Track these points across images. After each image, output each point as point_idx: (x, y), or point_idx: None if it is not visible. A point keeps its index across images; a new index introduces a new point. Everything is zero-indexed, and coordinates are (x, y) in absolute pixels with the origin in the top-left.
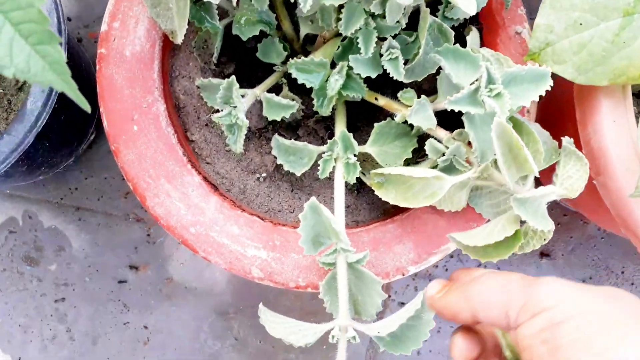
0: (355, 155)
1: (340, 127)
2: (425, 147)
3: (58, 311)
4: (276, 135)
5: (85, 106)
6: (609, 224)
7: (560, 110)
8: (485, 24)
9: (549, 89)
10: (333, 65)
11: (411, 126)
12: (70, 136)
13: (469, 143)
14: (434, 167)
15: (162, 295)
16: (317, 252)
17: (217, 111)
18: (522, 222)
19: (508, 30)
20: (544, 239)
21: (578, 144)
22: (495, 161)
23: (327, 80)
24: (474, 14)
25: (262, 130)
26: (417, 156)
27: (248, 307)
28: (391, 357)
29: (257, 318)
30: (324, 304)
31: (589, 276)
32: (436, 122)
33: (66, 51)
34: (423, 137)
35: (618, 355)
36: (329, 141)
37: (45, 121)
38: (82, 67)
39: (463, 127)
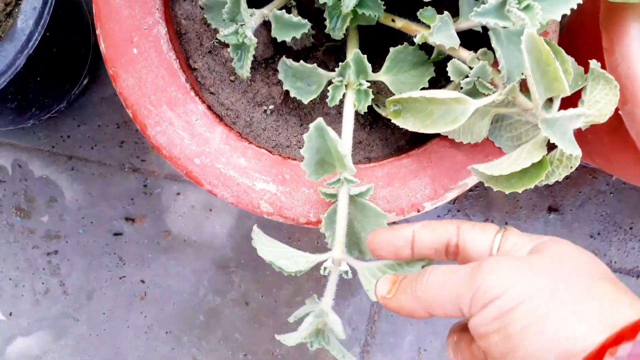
0: (368, 82)
1: (352, 49)
2: (445, 72)
3: (51, 264)
4: (284, 58)
5: None
6: (626, 170)
7: (582, 44)
8: None
9: (580, 2)
10: None
11: (429, 53)
12: (62, 74)
13: (494, 64)
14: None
15: (160, 248)
16: (320, 179)
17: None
18: (548, 151)
19: None
20: (570, 167)
21: None
22: (521, 84)
23: None
24: None
25: (268, 61)
26: (435, 88)
27: (249, 260)
28: (395, 315)
29: (259, 272)
30: (326, 239)
31: (597, 231)
32: (459, 42)
33: None
34: (440, 66)
35: (570, 334)
36: (340, 64)
37: (36, 43)
38: (76, 3)
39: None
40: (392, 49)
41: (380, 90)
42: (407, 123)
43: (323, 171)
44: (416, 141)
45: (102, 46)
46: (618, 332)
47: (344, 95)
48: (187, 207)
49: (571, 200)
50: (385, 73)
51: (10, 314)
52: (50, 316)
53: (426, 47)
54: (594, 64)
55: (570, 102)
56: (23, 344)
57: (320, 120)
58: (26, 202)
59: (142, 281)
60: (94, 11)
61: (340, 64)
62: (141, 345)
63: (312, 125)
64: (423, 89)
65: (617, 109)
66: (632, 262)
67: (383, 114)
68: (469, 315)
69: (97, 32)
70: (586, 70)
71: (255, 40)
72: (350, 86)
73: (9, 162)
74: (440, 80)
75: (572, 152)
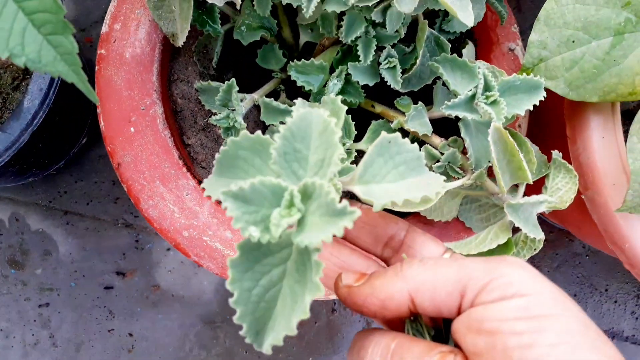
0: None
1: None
2: None
3: (42, 316)
4: (272, 126)
5: (95, 99)
6: (595, 240)
7: (549, 128)
8: (479, 40)
9: (542, 99)
10: (331, 71)
11: (405, 133)
12: (62, 139)
13: (463, 151)
14: None
15: (149, 302)
16: None
17: (215, 115)
18: (513, 233)
19: (502, 47)
20: (534, 249)
21: (567, 160)
22: (488, 170)
23: (325, 85)
24: (471, 26)
25: None
26: None
27: (233, 316)
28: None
29: None
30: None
31: (574, 293)
32: (432, 129)
33: None
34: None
35: None
36: None
37: (41, 120)
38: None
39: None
40: (373, 122)
41: (357, 163)
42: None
43: None
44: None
45: (101, 124)
46: None
47: None
48: (177, 263)
49: (548, 262)
50: (366, 142)
51: None
52: None
53: (403, 130)
54: (555, 154)
55: (535, 187)
56: None
57: None
58: (21, 255)
59: (130, 334)
60: (95, 91)
61: None
62: None
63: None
64: None
65: (579, 193)
66: (608, 324)
67: None
68: (468, 304)
69: (98, 111)
70: (549, 159)
71: (244, 125)
72: None
73: (7, 216)
74: None
75: (535, 235)
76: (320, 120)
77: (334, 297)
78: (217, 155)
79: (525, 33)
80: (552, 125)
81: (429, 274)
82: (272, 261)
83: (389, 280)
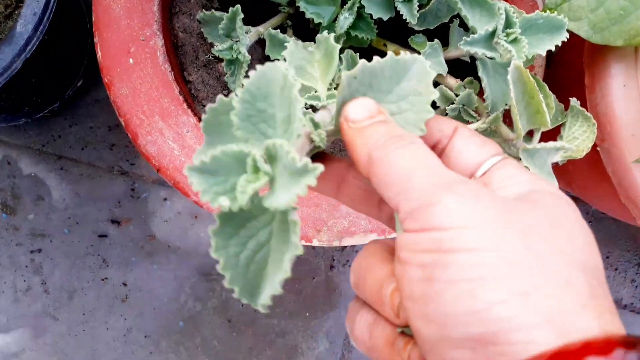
0: None
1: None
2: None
3: (33, 262)
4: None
5: None
6: (603, 201)
7: (565, 79)
8: None
9: (565, 39)
10: (342, 4)
11: None
12: (57, 77)
13: (479, 93)
14: None
15: (144, 252)
16: (300, 77)
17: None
18: None
19: None
20: None
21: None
22: (504, 115)
23: (335, 18)
24: None
25: None
26: None
27: None
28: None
29: None
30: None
31: None
32: (447, 69)
33: None
34: None
35: (511, 323)
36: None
37: (34, 47)
38: (76, 7)
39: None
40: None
41: None
42: None
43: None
44: None
45: (98, 54)
46: (561, 347)
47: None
48: (173, 213)
49: None
50: None
51: None
52: (30, 314)
53: None
54: (574, 101)
55: (549, 137)
56: (1, 341)
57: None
58: (13, 199)
59: (124, 284)
60: (93, 19)
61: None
62: (119, 348)
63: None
64: None
65: (595, 145)
66: None
67: None
68: (400, 221)
69: (95, 40)
70: (566, 107)
71: (248, 56)
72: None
73: None
74: None
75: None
76: (279, 75)
77: (332, 244)
78: (201, 125)
79: None
80: (568, 76)
81: (382, 166)
82: (257, 224)
83: (362, 148)
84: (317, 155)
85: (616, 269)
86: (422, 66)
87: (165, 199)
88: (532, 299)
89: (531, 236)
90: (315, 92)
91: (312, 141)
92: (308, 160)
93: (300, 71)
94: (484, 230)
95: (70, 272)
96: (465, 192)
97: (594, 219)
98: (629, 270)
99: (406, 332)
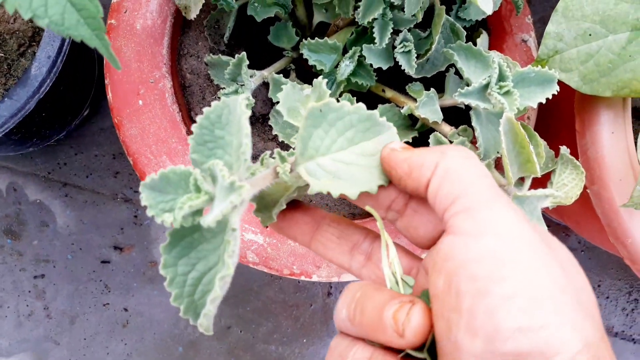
0: None
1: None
2: (427, 143)
3: (37, 288)
4: (275, 107)
5: (117, 65)
6: (594, 235)
7: (557, 123)
8: (492, 30)
9: (555, 93)
10: (344, 52)
11: (413, 121)
12: (66, 109)
13: (473, 140)
14: None
15: (145, 278)
16: (291, 119)
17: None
18: None
19: (515, 38)
20: None
21: (574, 155)
22: (496, 161)
23: (337, 65)
24: (490, 13)
25: (266, 117)
26: None
27: (231, 296)
28: None
29: (240, 308)
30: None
31: None
32: (442, 117)
33: None
34: (422, 135)
35: (547, 330)
36: None
37: (47, 88)
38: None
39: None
40: (380, 106)
41: None
42: None
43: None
44: None
45: (109, 95)
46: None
47: None
48: None
49: None
50: None
51: None
52: (32, 339)
53: (411, 116)
54: (564, 149)
55: (539, 182)
56: None
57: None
58: (18, 225)
59: (125, 309)
60: (104, 62)
61: None
62: None
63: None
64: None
65: (585, 187)
66: None
67: None
68: (446, 220)
69: (106, 81)
70: (557, 154)
71: (253, 101)
72: None
73: (5, 185)
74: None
75: None
76: (238, 105)
77: (331, 280)
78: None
79: (534, 25)
80: (559, 120)
81: (456, 164)
82: (208, 247)
83: (429, 151)
84: (293, 203)
85: (607, 297)
86: (393, 135)
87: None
88: (577, 327)
89: (566, 269)
90: None
91: (277, 174)
92: (234, 179)
93: (292, 112)
94: (537, 250)
95: (72, 297)
96: (520, 213)
97: (586, 247)
98: (619, 299)
99: (412, 354)
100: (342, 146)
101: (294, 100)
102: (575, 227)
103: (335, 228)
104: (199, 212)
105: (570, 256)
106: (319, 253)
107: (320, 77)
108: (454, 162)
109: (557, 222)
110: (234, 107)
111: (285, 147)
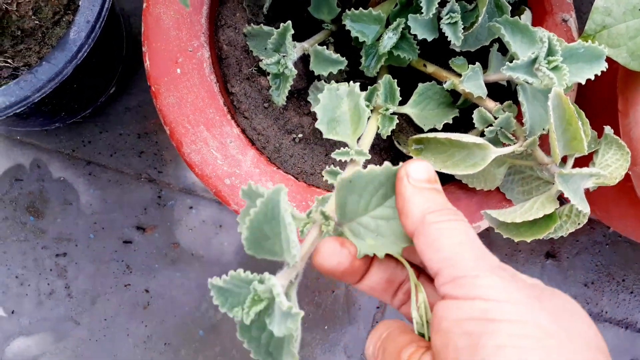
0: (393, 109)
1: (384, 74)
2: (468, 121)
3: (58, 266)
4: (315, 82)
5: (186, 3)
6: (625, 224)
7: (596, 103)
8: (533, 9)
9: (604, 69)
10: (387, 24)
11: (455, 98)
12: (96, 83)
13: (517, 117)
14: None
15: (167, 259)
16: (331, 134)
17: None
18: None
19: (555, 17)
20: (579, 223)
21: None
22: (540, 139)
23: (379, 38)
24: None
25: (301, 91)
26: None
27: None
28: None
29: None
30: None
31: (591, 281)
32: (487, 92)
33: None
34: (462, 113)
35: None
36: (369, 87)
37: (85, 54)
38: (116, 16)
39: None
40: (421, 85)
41: (401, 130)
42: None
43: (335, 131)
44: None
45: (146, 63)
46: None
47: (368, 119)
48: (198, 222)
49: (568, 248)
50: (412, 106)
51: (13, 312)
52: (52, 318)
53: (452, 92)
54: (608, 129)
55: (580, 164)
56: (22, 344)
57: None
58: (41, 203)
59: (147, 290)
60: (142, 29)
61: (369, 87)
62: (139, 355)
63: (326, 88)
64: (446, 128)
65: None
66: (622, 313)
67: (404, 151)
68: (439, 287)
69: (144, 49)
70: (599, 134)
71: (295, 71)
72: (376, 110)
73: (29, 162)
74: (458, 126)
75: (582, 208)
76: (279, 202)
77: None
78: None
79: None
80: (599, 100)
81: (435, 232)
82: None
83: (417, 204)
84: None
85: (631, 292)
86: None
87: (191, 207)
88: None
89: (560, 318)
90: (345, 147)
91: (322, 231)
92: (291, 305)
93: (330, 126)
94: (524, 306)
95: (94, 277)
96: (505, 275)
97: (611, 241)
98: None
99: None
100: (377, 203)
101: (332, 110)
102: (606, 217)
103: (384, 271)
104: (264, 309)
105: (565, 301)
106: (364, 291)
107: (351, 83)
108: (432, 229)
109: None
110: (277, 204)
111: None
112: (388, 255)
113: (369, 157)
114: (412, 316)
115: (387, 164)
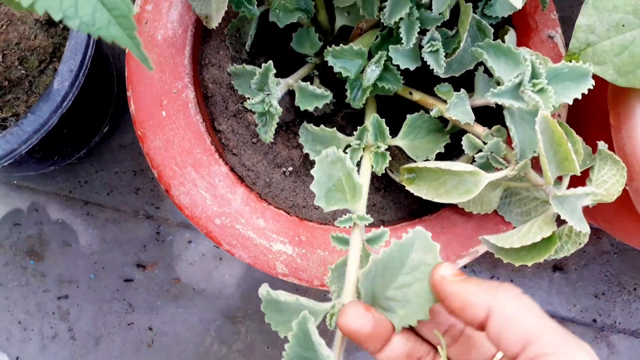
0: (385, 146)
1: (371, 114)
2: (460, 144)
3: (60, 309)
4: (305, 123)
5: (149, 66)
6: (629, 235)
7: (588, 119)
8: (518, 27)
9: (591, 87)
10: (369, 57)
11: (444, 124)
12: (86, 126)
13: (507, 140)
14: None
15: (169, 296)
16: (330, 207)
17: (249, 100)
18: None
19: (541, 34)
20: (580, 243)
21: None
22: (532, 160)
23: (362, 71)
24: (520, 8)
25: (289, 124)
26: (446, 157)
27: (257, 311)
28: None
29: (266, 323)
30: (330, 294)
31: (602, 292)
32: (474, 118)
33: (94, 44)
34: (453, 137)
35: None
36: (359, 128)
37: (70, 102)
38: (104, 58)
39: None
40: (409, 116)
41: (394, 157)
42: (421, 191)
43: (333, 202)
44: (428, 206)
45: (132, 108)
46: None
47: (361, 158)
48: (198, 256)
49: (576, 260)
50: (402, 138)
51: (17, 358)
52: None
53: (441, 118)
54: (601, 145)
55: (577, 180)
56: None
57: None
58: (40, 246)
59: (150, 328)
60: (126, 74)
61: (358, 127)
62: None
63: (324, 151)
64: (438, 154)
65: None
66: (636, 324)
67: (397, 179)
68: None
69: (128, 94)
70: (594, 150)
71: (280, 109)
72: (367, 149)
73: (26, 206)
74: (452, 151)
75: (581, 229)
76: (310, 330)
77: None
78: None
79: (564, 20)
80: (591, 117)
81: (514, 309)
82: None
83: (480, 291)
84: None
85: None
86: (424, 238)
87: (190, 242)
88: None
89: None
90: (348, 213)
91: None
92: None
93: (329, 197)
94: None
95: (96, 317)
96: (590, 351)
97: (619, 250)
98: None
99: None
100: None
101: (327, 180)
102: (609, 228)
103: (405, 344)
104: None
105: None
106: None
107: (338, 150)
108: (509, 305)
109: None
110: (308, 333)
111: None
112: (410, 329)
113: (372, 220)
114: None
115: (394, 240)
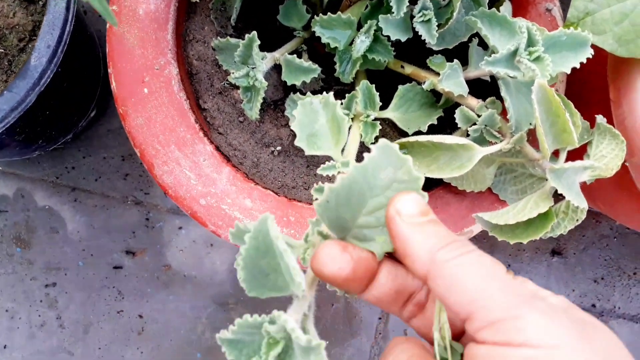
0: (375, 114)
1: (362, 79)
2: (454, 121)
3: (48, 297)
4: (292, 95)
5: (113, 21)
6: (629, 216)
7: (590, 90)
8: (513, 0)
9: (590, 56)
10: (359, 27)
11: (437, 97)
12: (71, 109)
13: (502, 113)
14: None
15: (159, 282)
16: (312, 151)
17: (231, 74)
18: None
19: (538, 7)
20: (577, 220)
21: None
22: (528, 133)
23: (352, 42)
24: None
25: (277, 102)
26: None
27: (249, 297)
28: (402, 326)
29: (258, 309)
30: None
31: (601, 276)
32: (468, 90)
33: (73, 19)
34: (447, 112)
35: None
36: (347, 95)
37: (48, 80)
38: (88, 38)
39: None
40: (401, 87)
41: (385, 134)
42: None
43: (315, 146)
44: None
45: (113, 85)
46: None
47: (350, 128)
48: (189, 242)
49: (574, 244)
50: (393, 110)
51: (5, 347)
52: (45, 350)
53: (434, 92)
54: (600, 118)
55: (574, 157)
56: None
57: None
58: (27, 233)
59: (140, 316)
60: (107, 50)
61: (346, 95)
62: None
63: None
64: (430, 128)
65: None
66: (636, 308)
67: None
68: (474, 331)
69: (109, 70)
70: (592, 124)
71: (265, 83)
72: (356, 118)
73: (12, 192)
74: (444, 127)
75: (579, 204)
76: (268, 229)
77: None
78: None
79: None
80: (593, 88)
81: (452, 271)
82: None
83: (425, 246)
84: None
85: None
86: (392, 153)
87: (180, 228)
88: None
89: (609, 352)
90: (330, 160)
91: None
92: (309, 337)
93: (311, 141)
94: (574, 351)
95: (85, 305)
96: (545, 308)
97: (619, 234)
98: None
99: None
100: (362, 204)
101: (309, 125)
102: (609, 210)
103: (393, 280)
104: (283, 351)
105: (609, 337)
106: (371, 302)
107: (326, 93)
108: (448, 268)
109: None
110: (267, 235)
111: None
112: (398, 262)
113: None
114: (434, 338)
115: (353, 162)
